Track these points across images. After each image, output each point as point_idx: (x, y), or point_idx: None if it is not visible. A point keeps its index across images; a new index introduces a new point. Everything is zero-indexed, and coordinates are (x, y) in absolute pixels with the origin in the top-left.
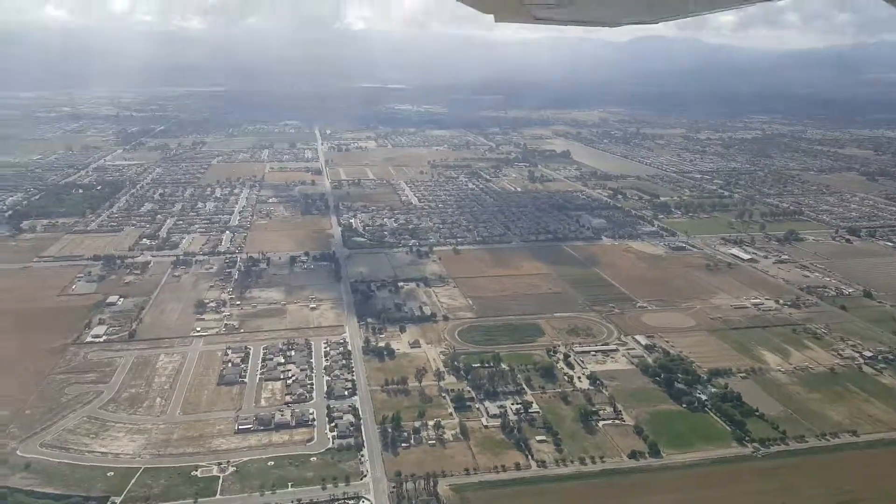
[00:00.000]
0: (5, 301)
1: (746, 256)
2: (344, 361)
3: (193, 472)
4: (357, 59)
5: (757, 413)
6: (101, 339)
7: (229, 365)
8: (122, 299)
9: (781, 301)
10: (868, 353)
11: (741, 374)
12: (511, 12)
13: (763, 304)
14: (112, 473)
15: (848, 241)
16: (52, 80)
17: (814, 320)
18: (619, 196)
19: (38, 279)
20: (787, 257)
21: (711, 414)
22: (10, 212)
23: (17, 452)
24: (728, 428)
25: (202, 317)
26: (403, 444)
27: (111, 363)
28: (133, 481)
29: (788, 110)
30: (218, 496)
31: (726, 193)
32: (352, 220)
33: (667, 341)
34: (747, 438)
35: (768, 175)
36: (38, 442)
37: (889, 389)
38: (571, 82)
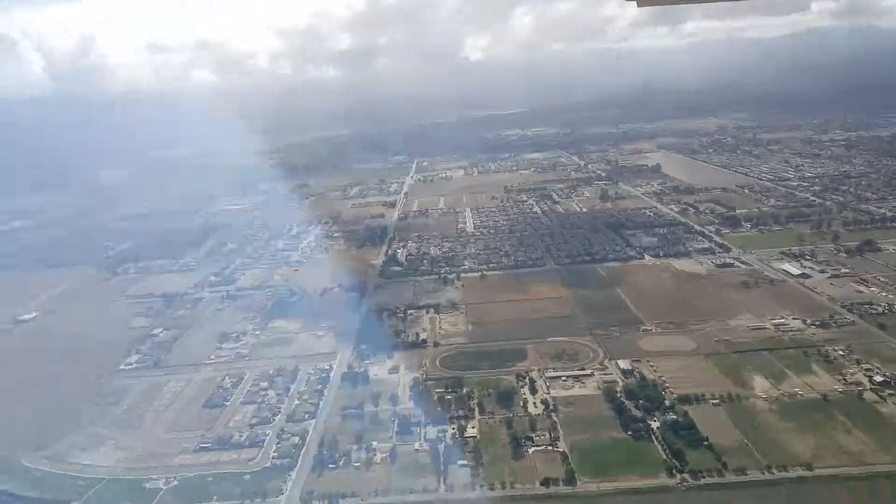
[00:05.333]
0: (71, 335)
1: (797, 272)
2: (319, 387)
3: (144, 484)
4: (476, 89)
5: (706, 443)
6: (132, 367)
7: (220, 390)
8: (163, 331)
9: (809, 320)
10: (879, 378)
11: (713, 401)
12: None
13: (787, 324)
14: (82, 483)
15: None
16: (199, 136)
17: (838, 341)
18: (691, 211)
19: (108, 315)
20: (846, 271)
21: (655, 443)
22: (113, 257)
23: (21, 461)
24: (664, 457)
25: (222, 346)
26: (331, 466)
27: (129, 388)
28: (93, 490)
29: None
30: None
31: (817, 201)
32: (398, 251)
33: (651, 366)
34: (679, 469)
35: (881, 178)
36: (42, 454)
37: (882, 419)
38: (707, 88)
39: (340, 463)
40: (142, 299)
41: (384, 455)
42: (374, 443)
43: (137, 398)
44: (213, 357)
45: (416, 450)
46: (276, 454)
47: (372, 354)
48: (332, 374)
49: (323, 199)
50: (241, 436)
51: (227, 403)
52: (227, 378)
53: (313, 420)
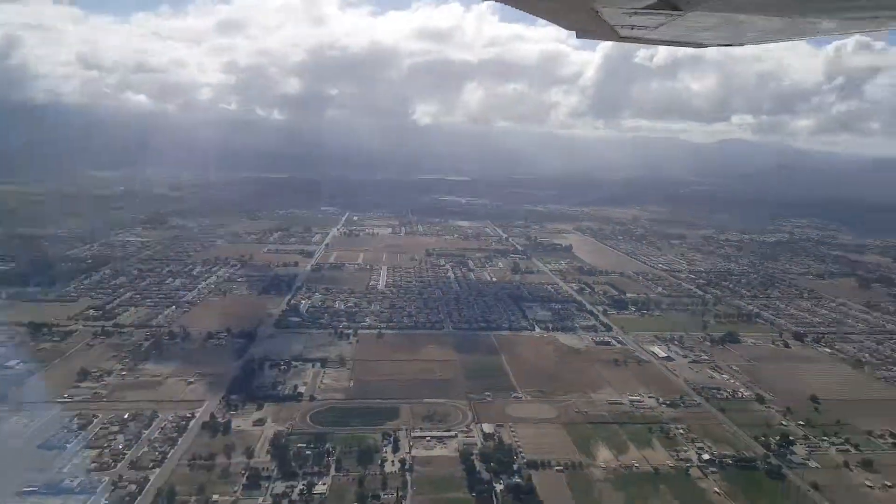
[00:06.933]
0: None
1: (663, 354)
2: (174, 435)
3: None
4: (421, 152)
5: None
6: None
7: (64, 431)
8: (20, 363)
9: (661, 400)
10: (706, 457)
11: (557, 468)
12: (593, 28)
13: (642, 401)
14: None
15: (786, 345)
16: (122, 160)
17: (682, 420)
18: (587, 290)
19: None
20: (706, 357)
21: None
22: None
23: None
24: None
25: (80, 384)
26: None
27: None
28: None
29: (836, 215)
30: None
31: (698, 293)
32: (302, 301)
33: (511, 431)
34: None
35: (758, 278)
36: None
37: (699, 492)
38: (635, 181)
39: None
40: (6, 327)
41: None
42: (216, 496)
43: None
44: (66, 395)
45: None
46: (106, 502)
47: (241, 405)
48: (192, 423)
49: (238, 241)
50: (73, 481)
51: (69, 446)
52: (75, 419)
53: (158, 469)
